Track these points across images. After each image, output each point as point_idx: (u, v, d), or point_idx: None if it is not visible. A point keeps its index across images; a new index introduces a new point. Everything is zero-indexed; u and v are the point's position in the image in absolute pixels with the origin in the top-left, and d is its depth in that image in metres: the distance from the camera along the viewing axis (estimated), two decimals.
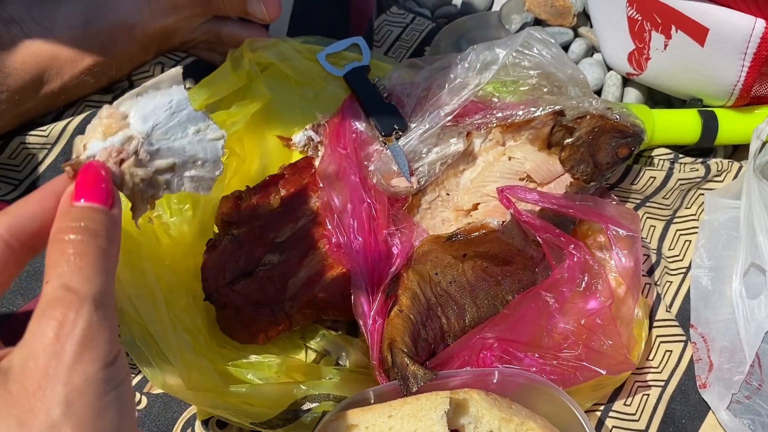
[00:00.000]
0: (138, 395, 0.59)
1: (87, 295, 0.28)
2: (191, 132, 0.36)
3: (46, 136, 0.69)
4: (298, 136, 0.69)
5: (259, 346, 0.59)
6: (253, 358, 0.57)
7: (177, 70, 0.36)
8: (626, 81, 0.82)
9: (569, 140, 0.66)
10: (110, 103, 0.42)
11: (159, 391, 0.58)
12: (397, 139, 0.66)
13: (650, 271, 0.71)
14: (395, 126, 0.66)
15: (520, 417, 0.51)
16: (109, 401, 0.28)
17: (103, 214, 0.31)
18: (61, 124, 0.69)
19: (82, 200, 0.31)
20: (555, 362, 0.55)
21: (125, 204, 0.35)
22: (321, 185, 0.64)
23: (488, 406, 0.50)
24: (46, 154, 0.70)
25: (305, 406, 0.53)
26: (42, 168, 0.70)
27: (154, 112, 0.34)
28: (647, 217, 0.73)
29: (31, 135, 0.69)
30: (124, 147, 0.33)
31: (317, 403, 0.54)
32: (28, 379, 0.27)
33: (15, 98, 0.66)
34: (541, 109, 0.66)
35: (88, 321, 0.28)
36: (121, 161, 0.33)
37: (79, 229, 0.30)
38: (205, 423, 0.58)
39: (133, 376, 0.59)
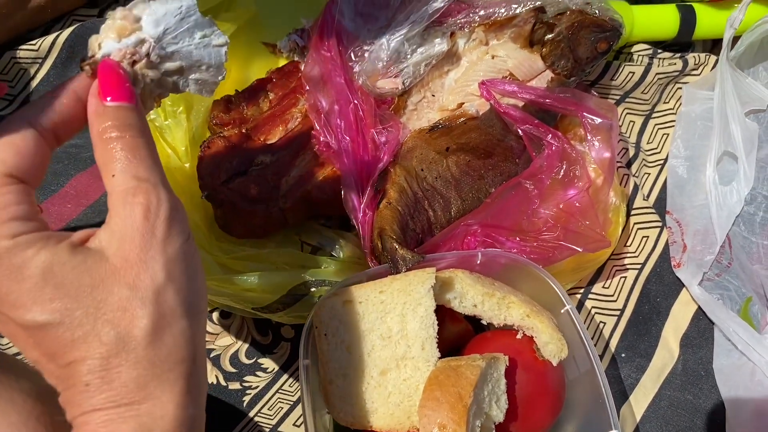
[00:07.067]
0: None
1: (157, 182, 0.32)
2: (198, 37, 0.37)
3: (36, 50, 0.70)
4: (283, 42, 0.70)
5: (256, 240, 0.62)
6: (251, 251, 0.60)
7: None
8: None
9: (550, 36, 0.68)
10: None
11: None
12: None
13: (629, 164, 0.73)
14: None
15: (502, 292, 0.55)
16: (195, 268, 0.33)
17: (135, 112, 0.34)
18: (50, 38, 0.70)
19: (109, 99, 0.33)
20: (535, 244, 0.59)
21: None
22: (308, 88, 0.66)
23: (472, 282, 0.54)
24: (38, 69, 0.71)
25: (303, 291, 0.57)
26: (35, 83, 0.71)
27: (165, 17, 0.36)
28: (627, 113, 0.75)
29: (21, 50, 0.70)
30: (137, 49, 0.35)
31: (314, 288, 0.57)
32: (128, 253, 0.30)
33: (2, 12, 0.67)
34: (522, 6, 0.67)
35: (168, 203, 0.32)
36: (134, 62, 0.35)
37: (121, 127, 0.32)
38: (209, 315, 0.62)
39: None
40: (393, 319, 0.51)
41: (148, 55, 0.35)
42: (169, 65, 0.36)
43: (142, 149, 0.32)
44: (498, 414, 0.49)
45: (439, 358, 0.51)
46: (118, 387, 0.29)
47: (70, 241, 0.31)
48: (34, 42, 0.70)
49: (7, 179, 0.31)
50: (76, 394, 0.29)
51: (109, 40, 0.35)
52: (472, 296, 0.54)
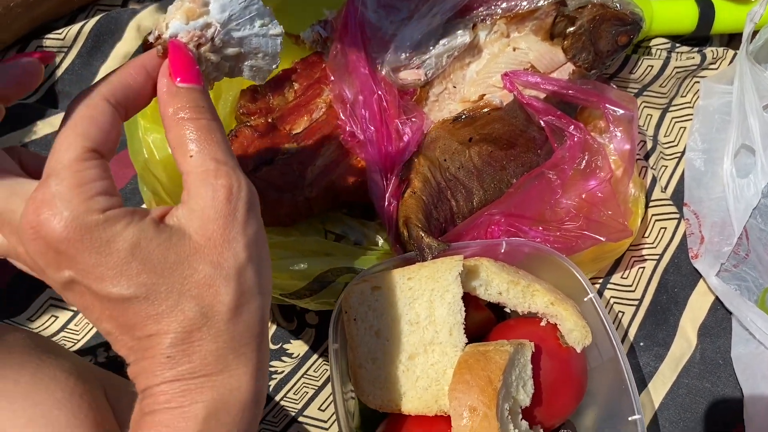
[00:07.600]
0: None
1: (235, 166, 0.33)
2: (257, 26, 0.38)
3: (62, 39, 0.71)
4: (306, 33, 0.71)
5: (282, 228, 0.63)
6: (278, 238, 0.61)
7: None
8: None
9: (571, 29, 0.68)
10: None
11: None
12: None
13: (647, 157, 0.74)
14: None
15: (527, 280, 0.56)
16: (266, 250, 0.34)
17: (205, 95, 0.35)
18: (76, 27, 0.71)
19: (179, 79, 0.34)
20: (558, 233, 0.60)
21: None
22: (332, 78, 0.66)
23: (497, 270, 0.55)
24: (63, 57, 0.72)
25: (329, 278, 0.58)
26: (60, 71, 0.72)
27: (231, 3, 0.36)
28: (645, 106, 0.76)
29: (47, 38, 0.71)
30: (203, 32, 0.36)
31: (340, 275, 0.58)
32: (212, 233, 0.32)
33: (30, 1, 0.68)
34: None
35: (248, 188, 0.33)
36: (199, 45, 0.36)
37: (195, 109, 0.34)
38: None
39: None
40: (421, 305, 0.52)
41: (212, 39, 0.36)
42: (230, 50, 0.37)
43: (216, 132, 0.34)
44: (525, 398, 0.50)
45: (466, 343, 0.52)
46: (198, 360, 0.30)
47: (152, 218, 0.32)
48: (60, 31, 0.71)
49: (91, 154, 0.32)
50: (155, 365, 0.30)
51: (176, 21, 0.35)
52: (498, 284, 0.55)
